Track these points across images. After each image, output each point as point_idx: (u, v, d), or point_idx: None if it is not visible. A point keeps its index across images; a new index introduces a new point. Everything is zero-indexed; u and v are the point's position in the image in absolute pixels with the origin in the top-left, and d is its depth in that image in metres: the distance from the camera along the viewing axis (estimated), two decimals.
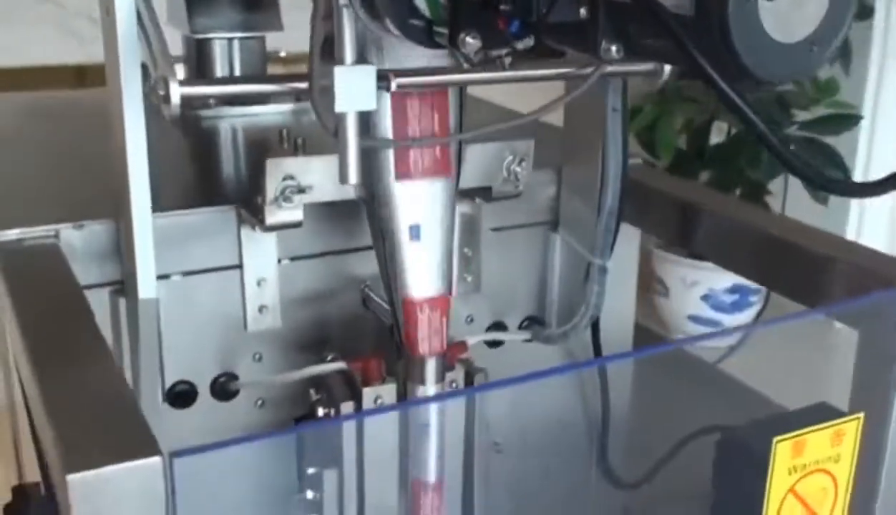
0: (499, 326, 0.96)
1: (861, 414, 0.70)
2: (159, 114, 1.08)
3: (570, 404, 1.01)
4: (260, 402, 0.87)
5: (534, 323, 0.97)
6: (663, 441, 1.14)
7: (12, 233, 0.75)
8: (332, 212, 0.85)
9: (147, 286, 0.74)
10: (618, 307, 1.00)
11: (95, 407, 0.52)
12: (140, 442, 0.48)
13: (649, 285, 2.86)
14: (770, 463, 0.67)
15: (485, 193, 0.86)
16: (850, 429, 0.70)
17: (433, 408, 0.81)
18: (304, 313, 0.87)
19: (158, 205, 0.79)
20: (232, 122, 1.10)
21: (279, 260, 0.84)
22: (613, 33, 0.54)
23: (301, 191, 0.76)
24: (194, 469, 0.82)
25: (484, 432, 0.86)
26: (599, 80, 0.70)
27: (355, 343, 0.88)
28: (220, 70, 1.12)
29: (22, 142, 1.04)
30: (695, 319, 2.64)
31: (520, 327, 0.97)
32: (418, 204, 0.74)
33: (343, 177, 0.66)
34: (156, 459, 0.48)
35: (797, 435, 0.68)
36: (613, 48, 0.56)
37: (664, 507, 1.07)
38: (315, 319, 0.87)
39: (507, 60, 0.57)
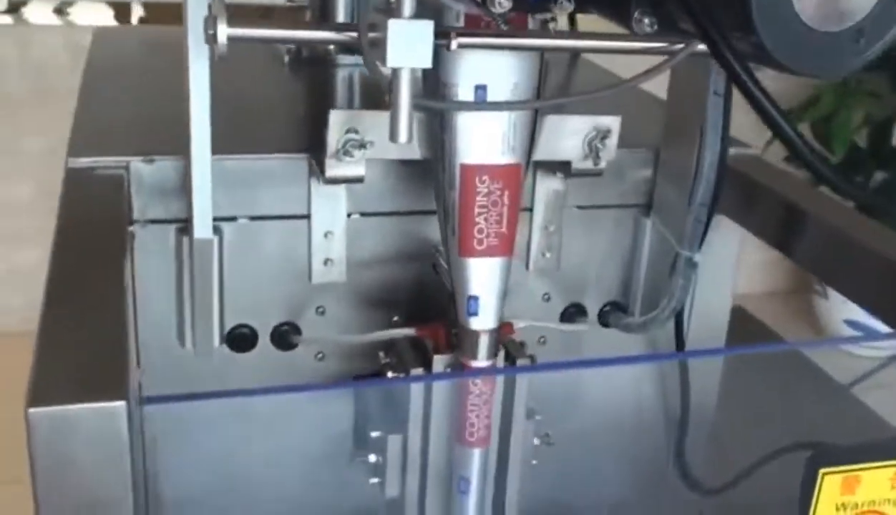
0: (577, 308, 0.92)
1: None
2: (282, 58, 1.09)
3: (643, 399, 0.96)
4: (320, 355, 0.87)
5: (616, 309, 0.92)
6: (753, 450, 1.08)
7: (83, 161, 0.76)
8: (409, 172, 0.83)
9: (203, 226, 0.74)
10: (712, 304, 0.94)
11: (82, 344, 0.52)
12: (109, 385, 0.48)
13: (809, 285, 2.71)
14: (814, 497, 0.61)
15: (564, 168, 0.81)
16: None
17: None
18: (370, 271, 0.85)
19: (235, 146, 0.79)
20: (355, 71, 1.09)
21: (349, 215, 0.83)
22: (648, 4, 0.49)
23: (362, 145, 0.74)
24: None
25: (525, 420, 0.82)
26: (693, 59, 0.65)
27: (421, 308, 0.86)
28: (342, 17, 1.11)
29: (142, 73, 1.06)
30: (852, 324, 2.49)
31: (601, 312, 0.92)
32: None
33: (393, 135, 0.63)
34: (119, 404, 0.47)
35: (849, 471, 0.61)
36: (647, 21, 0.50)
37: None
38: (382, 279, 0.86)
39: (554, 25, 0.53)
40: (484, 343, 0.76)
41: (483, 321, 0.75)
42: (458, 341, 0.77)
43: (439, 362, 0.77)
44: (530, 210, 0.86)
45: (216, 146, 0.76)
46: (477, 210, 0.73)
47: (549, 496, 0.95)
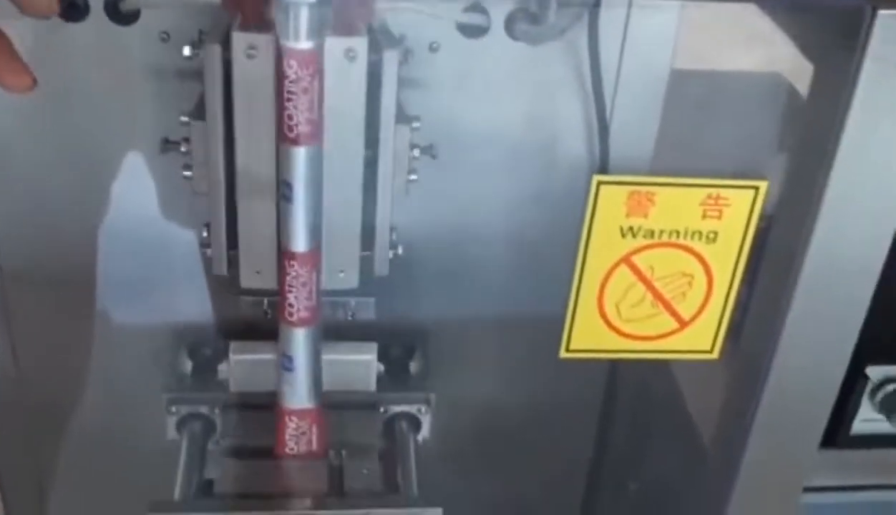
0: (479, 10, 0.76)
1: (761, 184, 0.48)
2: None
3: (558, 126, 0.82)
4: (164, 36, 0.75)
5: (527, 16, 0.77)
6: None
7: None
8: None
9: None
10: (648, 40, 0.78)
11: None
12: None
13: None
14: (589, 207, 0.47)
15: None
16: (739, 201, 0.48)
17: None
18: None
19: None
20: None
21: None
22: None
23: None
24: None
25: (396, 123, 0.71)
26: None
27: None
28: None
29: None
30: None
31: (509, 19, 0.77)
32: None
33: None
34: None
35: (636, 183, 0.47)
36: None
37: None
38: None
39: None
40: (303, 18, 0.63)
41: None
42: (276, 16, 0.64)
43: (239, 40, 0.65)
44: None
45: None
46: None
47: (433, 219, 0.84)
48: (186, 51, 0.69)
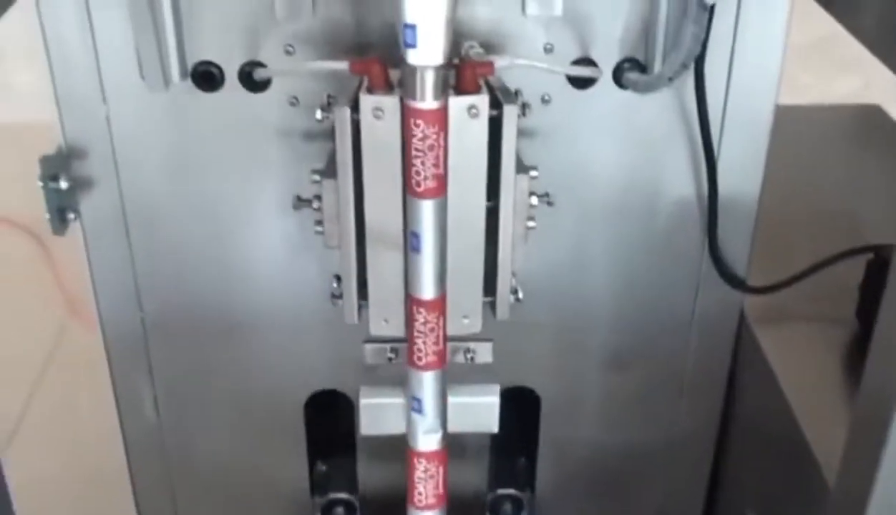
0: (587, 63, 0.80)
1: None
2: None
3: (667, 172, 0.84)
4: (293, 100, 0.81)
5: (635, 67, 0.80)
6: (804, 244, 0.94)
7: None
8: None
9: None
10: (753, 79, 0.81)
11: None
12: None
13: None
14: None
15: None
16: None
17: None
18: (341, 9, 0.77)
19: None
20: None
21: None
22: None
23: None
24: None
25: (516, 173, 0.74)
26: None
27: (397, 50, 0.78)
28: None
29: None
30: None
31: (616, 69, 0.80)
32: None
33: None
34: None
35: None
36: None
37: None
38: (354, 20, 0.78)
39: None
40: (429, 80, 0.67)
41: (423, 55, 0.66)
42: (402, 79, 0.68)
43: (367, 102, 0.69)
44: None
45: None
46: None
47: (551, 265, 0.87)
48: (318, 114, 0.74)
